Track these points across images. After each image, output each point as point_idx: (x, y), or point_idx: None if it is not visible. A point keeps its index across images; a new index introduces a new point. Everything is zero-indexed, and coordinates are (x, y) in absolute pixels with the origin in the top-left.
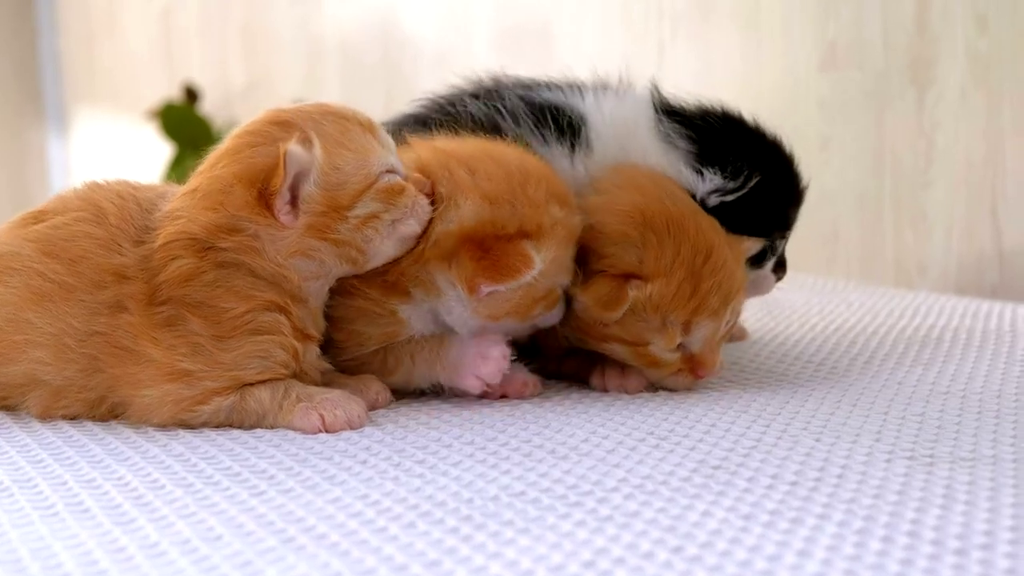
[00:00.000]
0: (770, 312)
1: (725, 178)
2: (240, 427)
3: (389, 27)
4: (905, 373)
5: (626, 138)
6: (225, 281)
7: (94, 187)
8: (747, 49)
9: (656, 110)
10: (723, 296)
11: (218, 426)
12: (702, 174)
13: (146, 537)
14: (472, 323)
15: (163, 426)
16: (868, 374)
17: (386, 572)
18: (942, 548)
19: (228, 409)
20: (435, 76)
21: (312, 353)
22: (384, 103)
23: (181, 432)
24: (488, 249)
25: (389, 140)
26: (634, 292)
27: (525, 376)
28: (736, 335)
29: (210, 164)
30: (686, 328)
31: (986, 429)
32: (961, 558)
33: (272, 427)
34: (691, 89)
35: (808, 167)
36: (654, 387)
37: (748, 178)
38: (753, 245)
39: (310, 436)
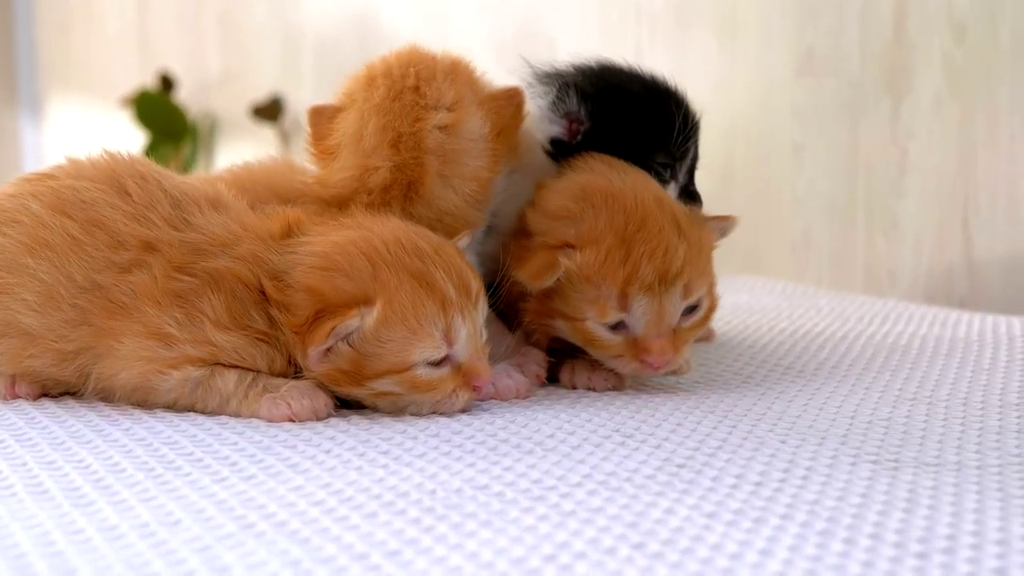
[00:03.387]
0: (739, 315)
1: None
2: (203, 409)
3: (366, 20)
4: (873, 378)
5: (528, 130)
6: (263, 309)
7: (115, 159)
8: (723, 53)
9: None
10: (660, 268)
11: (176, 405)
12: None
13: (105, 520)
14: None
15: (128, 386)
16: (835, 378)
17: (346, 560)
18: (904, 551)
19: (195, 381)
20: None
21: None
22: None
23: (144, 416)
24: (501, 129)
25: (462, 328)
26: (565, 260)
27: (518, 380)
28: (703, 336)
29: (317, 253)
30: (622, 302)
31: (951, 435)
32: (923, 561)
33: (235, 415)
34: None
35: (781, 173)
36: (621, 386)
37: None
38: (722, 225)
39: (274, 424)
